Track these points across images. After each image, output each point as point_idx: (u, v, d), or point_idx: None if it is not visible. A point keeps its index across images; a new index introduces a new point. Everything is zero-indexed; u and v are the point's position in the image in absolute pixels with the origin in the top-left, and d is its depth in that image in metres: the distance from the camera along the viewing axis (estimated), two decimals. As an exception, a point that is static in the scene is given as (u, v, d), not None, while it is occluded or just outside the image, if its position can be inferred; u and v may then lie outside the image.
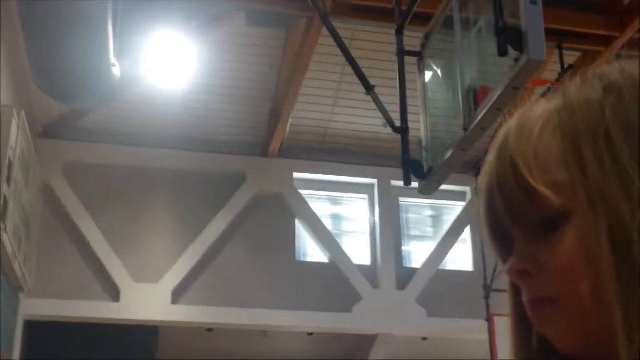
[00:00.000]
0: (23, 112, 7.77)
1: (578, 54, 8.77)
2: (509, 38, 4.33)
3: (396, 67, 5.96)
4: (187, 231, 10.03)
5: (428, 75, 6.09)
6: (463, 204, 11.07)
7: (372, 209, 10.98)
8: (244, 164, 10.50)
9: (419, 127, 5.94)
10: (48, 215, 9.78)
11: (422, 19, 6.18)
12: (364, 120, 10.16)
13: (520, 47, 4.29)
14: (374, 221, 10.87)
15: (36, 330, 9.43)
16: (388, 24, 6.87)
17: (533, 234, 0.75)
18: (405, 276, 10.54)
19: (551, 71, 8.41)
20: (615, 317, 0.68)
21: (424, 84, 6.06)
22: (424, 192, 5.83)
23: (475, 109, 4.97)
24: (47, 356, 9.40)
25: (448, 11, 5.57)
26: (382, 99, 6.27)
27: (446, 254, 10.75)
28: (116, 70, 6.78)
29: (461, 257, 10.97)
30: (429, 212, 11.40)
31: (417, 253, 10.98)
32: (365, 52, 8.66)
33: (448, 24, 5.51)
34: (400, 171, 5.73)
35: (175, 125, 10.11)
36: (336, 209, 11.21)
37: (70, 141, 10.02)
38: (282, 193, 10.56)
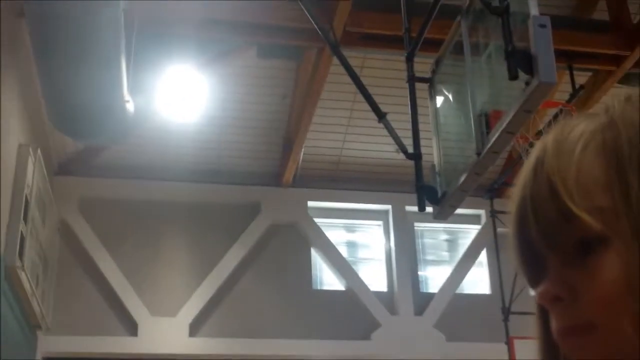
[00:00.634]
0: (39, 150, 7.83)
1: (589, 73, 8.77)
2: (519, 62, 4.33)
3: (407, 94, 5.98)
4: (204, 263, 10.04)
5: (439, 100, 6.11)
6: (478, 227, 11.03)
7: (387, 235, 10.96)
8: (259, 195, 10.53)
9: (431, 153, 5.94)
10: (65, 251, 9.80)
11: (432, 45, 6.21)
12: (376, 147, 10.18)
13: (530, 70, 4.29)
14: (390, 247, 10.84)
15: (55, 367, 9.44)
16: (398, 51, 6.90)
17: (566, 256, 0.73)
18: (423, 301, 10.49)
19: (562, 92, 8.42)
20: None
21: (435, 110, 6.08)
22: (439, 217, 5.82)
23: (488, 133, 4.98)
24: (67, 393, 9.38)
25: (457, 36, 5.60)
26: (394, 125, 6.30)
27: (463, 277, 10.69)
28: (130, 107, 6.84)
29: (478, 280, 10.92)
30: (445, 237, 11.36)
31: (433, 278, 10.92)
32: (376, 79, 8.70)
33: (458, 49, 5.54)
34: (414, 196, 5.72)
35: (189, 158, 10.17)
36: (351, 236, 11.19)
37: (85, 177, 10.07)
38: (297, 222, 10.57)
